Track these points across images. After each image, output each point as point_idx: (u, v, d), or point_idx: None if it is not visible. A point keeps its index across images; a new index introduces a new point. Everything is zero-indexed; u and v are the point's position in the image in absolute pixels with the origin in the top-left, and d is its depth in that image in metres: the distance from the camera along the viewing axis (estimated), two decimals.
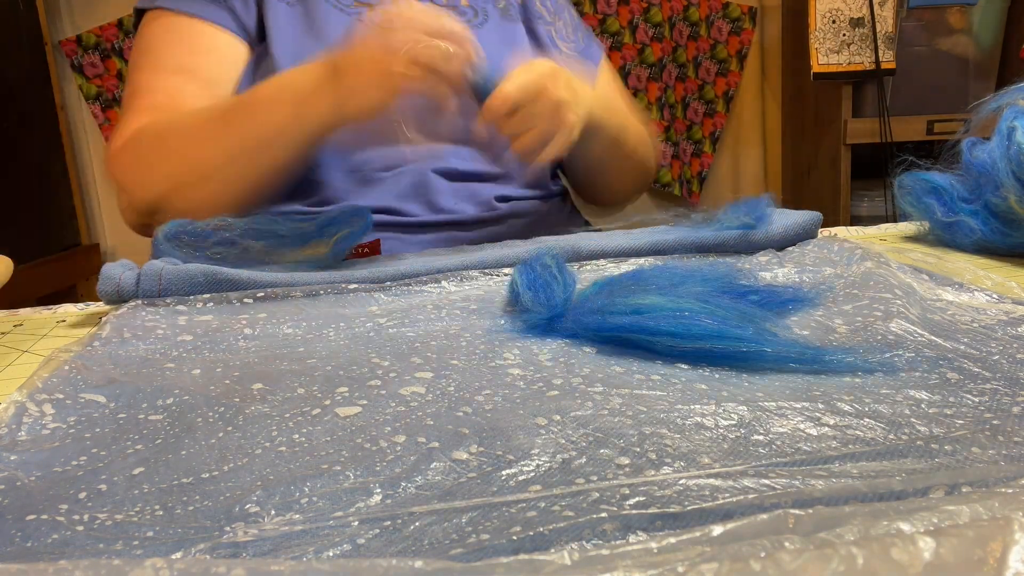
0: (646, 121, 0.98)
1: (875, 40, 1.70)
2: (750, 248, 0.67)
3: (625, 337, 0.44)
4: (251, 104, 0.71)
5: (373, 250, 0.71)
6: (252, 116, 0.70)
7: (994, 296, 0.51)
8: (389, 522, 0.28)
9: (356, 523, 0.28)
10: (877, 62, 1.71)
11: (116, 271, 0.58)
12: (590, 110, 0.74)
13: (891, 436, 0.33)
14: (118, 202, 0.80)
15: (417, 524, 0.28)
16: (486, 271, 0.62)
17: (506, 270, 0.62)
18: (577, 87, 0.71)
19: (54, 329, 0.59)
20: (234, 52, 0.80)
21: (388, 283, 0.60)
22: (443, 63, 0.62)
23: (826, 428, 0.34)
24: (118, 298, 0.58)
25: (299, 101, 0.68)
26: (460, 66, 0.62)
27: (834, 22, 1.73)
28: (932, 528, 0.24)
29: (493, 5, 0.90)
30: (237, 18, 0.80)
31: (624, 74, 2.11)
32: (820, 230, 0.72)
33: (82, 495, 0.31)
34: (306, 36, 0.79)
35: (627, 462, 0.32)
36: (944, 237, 0.70)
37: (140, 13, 0.83)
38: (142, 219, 0.77)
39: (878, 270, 0.55)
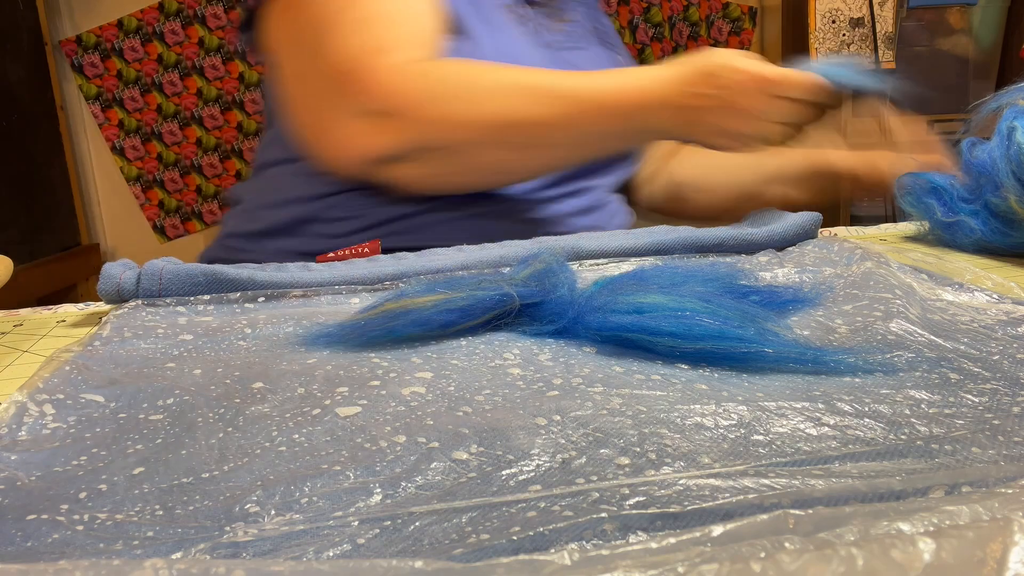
0: None
1: (875, 40, 1.70)
2: (750, 248, 0.67)
3: (626, 337, 0.44)
4: (590, 105, 0.68)
5: (373, 250, 0.71)
6: (591, 118, 0.69)
7: (994, 296, 0.51)
8: (389, 522, 0.28)
9: (356, 523, 0.28)
10: (877, 62, 1.71)
11: (116, 271, 0.58)
12: None
13: (891, 436, 0.33)
14: (360, 124, 0.68)
15: (417, 524, 0.28)
16: (486, 271, 0.62)
17: (505, 269, 0.62)
18: None
19: (54, 329, 0.59)
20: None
21: (388, 283, 0.60)
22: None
23: (826, 428, 0.34)
24: (118, 298, 0.58)
25: (647, 110, 0.68)
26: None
27: (834, 22, 1.73)
28: (932, 529, 0.24)
29: (587, 29, 0.92)
30: None
31: None
32: (820, 230, 0.72)
33: (82, 495, 0.31)
34: (488, 37, 0.78)
35: (627, 462, 0.32)
36: (944, 237, 0.70)
37: None
38: (400, 150, 0.69)
39: (878, 270, 0.55)
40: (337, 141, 0.70)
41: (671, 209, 1.03)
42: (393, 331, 0.45)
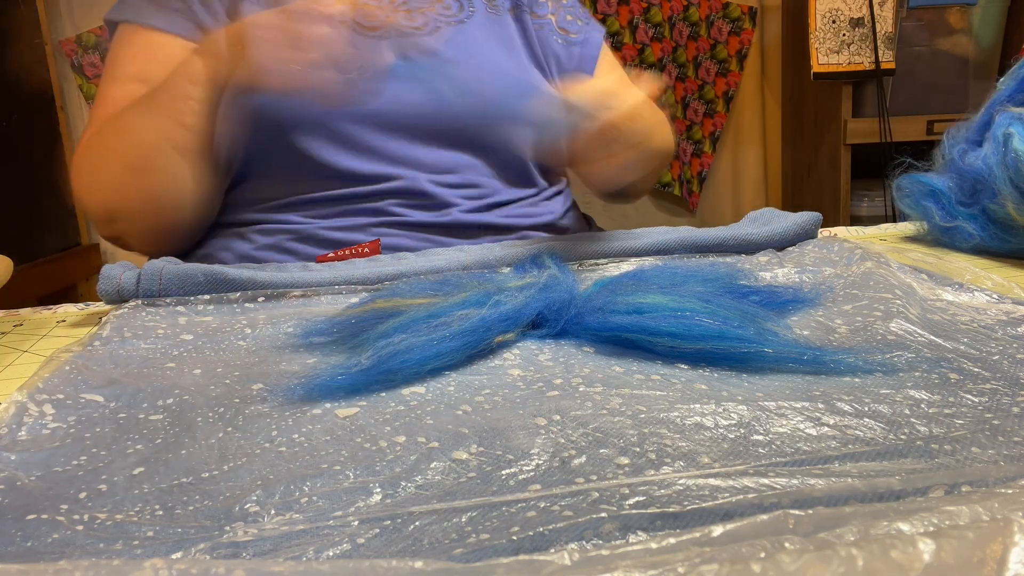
0: (653, 100, 0.96)
1: (875, 40, 1.70)
2: (750, 248, 0.67)
3: (626, 337, 0.44)
4: (158, 88, 0.71)
5: (373, 250, 0.71)
6: (158, 98, 0.70)
7: (994, 296, 0.51)
8: (389, 522, 0.28)
9: (356, 523, 0.28)
10: (877, 62, 1.71)
11: (116, 271, 0.58)
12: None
13: (891, 436, 0.33)
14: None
15: (417, 524, 0.28)
16: (485, 271, 0.62)
17: (504, 269, 0.62)
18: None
19: (54, 329, 0.59)
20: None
21: (388, 283, 0.60)
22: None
23: (826, 428, 0.34)
24: (118, 298, 0.58)
25: (189, 72, 0.69)
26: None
27: (834, 22, 1.73)
28: (932, 529, 0.24)
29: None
30: (202, 27, 0.80)
31: None
32: (820, 230, 0.72)
33: (82, 495, 0.31)
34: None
35: (627, 462, 0.32)
36: (943, 240, 0.70)
37: (112, 26, 0.83)
38: (104, 230, 0.77)
39: (878, 270, 0.55)
40: None
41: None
42: (392, 371, 0.42)
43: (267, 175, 0.77)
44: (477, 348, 0.43)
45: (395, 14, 0.81)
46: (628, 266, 0.63)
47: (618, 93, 0.82)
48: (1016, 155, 0.61)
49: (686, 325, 0.42)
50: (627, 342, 0.45)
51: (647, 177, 0.94)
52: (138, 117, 0.72)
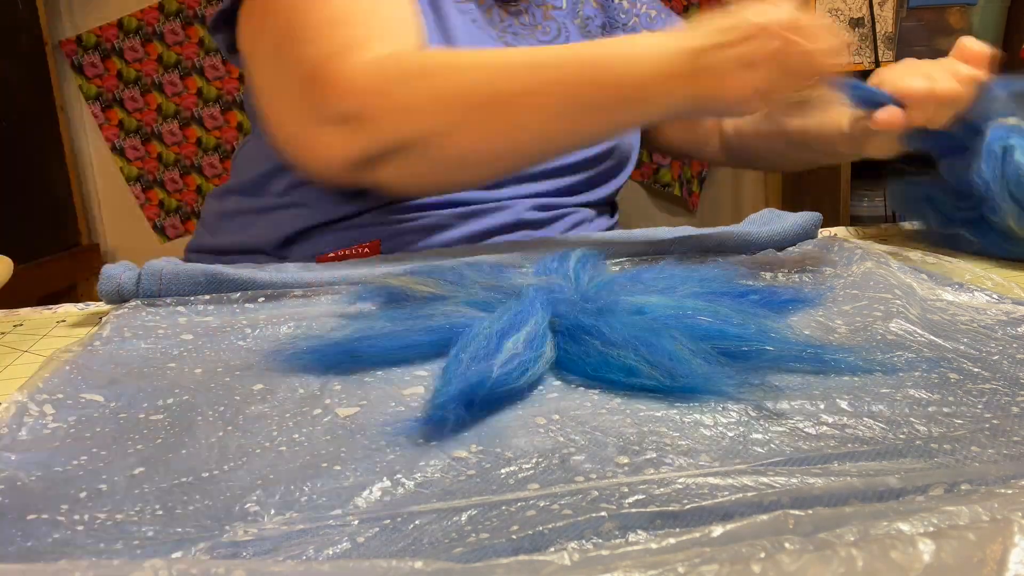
0: None
1: (875, 40, 1.70)
2: (750, 248, 0.67)
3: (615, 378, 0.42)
4: (590, 66, 0.61)
5: (373, 250, 0.71)
6: (590, 79, 0.61)
7: (994, 296, 0.51)
8: (389, 521, 0.28)
9: (356, 522, 0.28)
10: (877, 62, 1.71)
11: (117, 271, 0.58)
12: None
13: (890, 435, 0.33)
14: (329, 137, 0.64)
15: (417, 523, 0.28)
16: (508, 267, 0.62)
17: (525, 268, 0.62)
18: None
19: (54, 329, 0.59)
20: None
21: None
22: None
23: (825, 427, 0.34)
24: (119, 298, 0.58)
25: (649, 75, 0.59)
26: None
27: (834, 22, 1.73)
28: (932, 529, 0.24)
29: (571, 21, 0.87)
30: None
31: None
32: (820, 230, 0.72)
33: (82, 495, 0.31)
34: (437, 34, 0.75)
35: (626, 460, 0.32)
36: (943, 243, 0.69)
37: None
38: (371, 154, 0.64)
39: (878, 270, 0.55)
40: (313, 151, 0.67)
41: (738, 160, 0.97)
42: (356, 352, 0.44)
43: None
44: (446, 348, 0.42)
45: (498, 43, 0.80)
46: (630, 264, 0.63)
47: None
48: (1018, 168, 0.61)
49: (687, 325, 0.42)
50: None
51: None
52: (515, 79, 0.62)
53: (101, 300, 0.59)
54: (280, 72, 0.69)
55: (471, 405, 0.36)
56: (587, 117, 0.63)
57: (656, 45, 0.60)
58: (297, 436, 0.36)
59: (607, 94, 0.61)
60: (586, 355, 0.41)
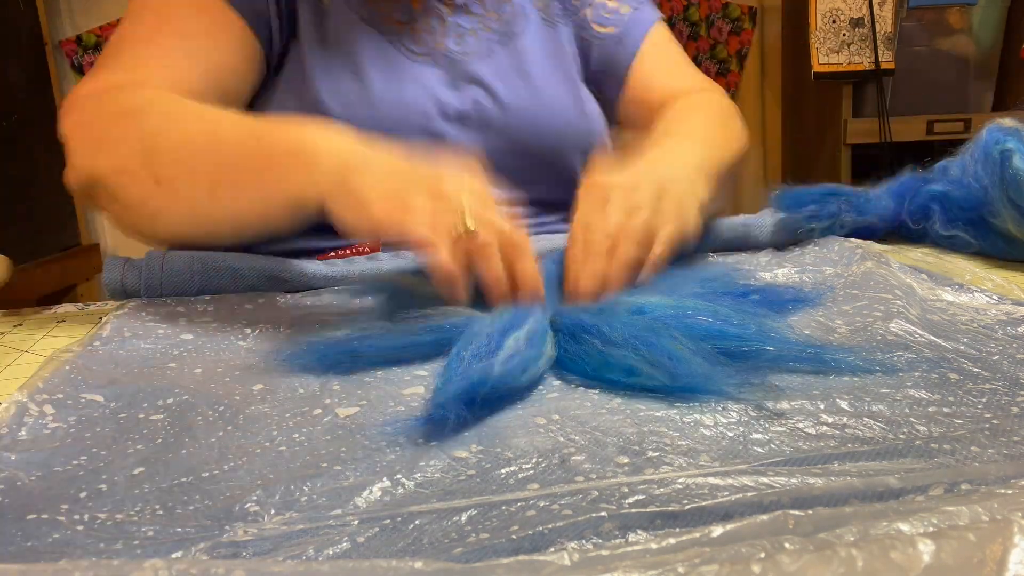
0: (708, 83, 0.88)
1: (875, 40, 1.70)
2: (750, 247, 0.67)
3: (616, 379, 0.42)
4: (259, 160, 0.56)
5: (374, 249, 0.71)
6: (253, 180, 0.56)
7: (994, 297, 0.51)
8: (389, 520, 0.28)
9: (356, 522, 0.28)
10: (877, 62, 1.71)
11: (120, 261, 0.59)
12: (705, 186, 0.63)
13: (890, 435, 0.33)
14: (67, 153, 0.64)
15: (417, 523, 0.28)
16: None
17: None
18: (675, 175, 0.60)
19: (54, 329, 0.59)
20: (249, 51, 0.69)
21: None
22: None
23: (825, 427, 0.34)
24: (121, 287, 0.58)
25: (303, 182, 0.53)
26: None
27: (834, 22, 1.73)
28: (932, 530, 0.24)
29: (532, 6, 0.84)
30: (266, 23, 0.70)
31: None
32: None
33: (82, 495, 0.31)
34: (339, 65, 0.71)
35: (626, 460, 0.32)
36: (942, 245, 0.69)
37: None
38: (81, 184, 0.63)
39: (878, 270, 0.55)
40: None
41: None
42: (356, 352, 0.44)
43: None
44: (446, 348, 0.42)
45: (445, 39, 0.77)
46: None
47: (707, 131, 0.72)
48: (1016, 173, 0.60)
49: (687, 325, 0.42)
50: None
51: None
52: (209, 162, 0.58)
53: (105, 290, 0.59)
54: None
55: (472, 403, 0.36)
56: (234, 191, 0.57)
57: (330, 149, 0.53)
58: (297, 436, 0.36)
59: (260, 197, 0.56)
60: (586, 354, 0.41)
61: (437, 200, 0.48)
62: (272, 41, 0.71)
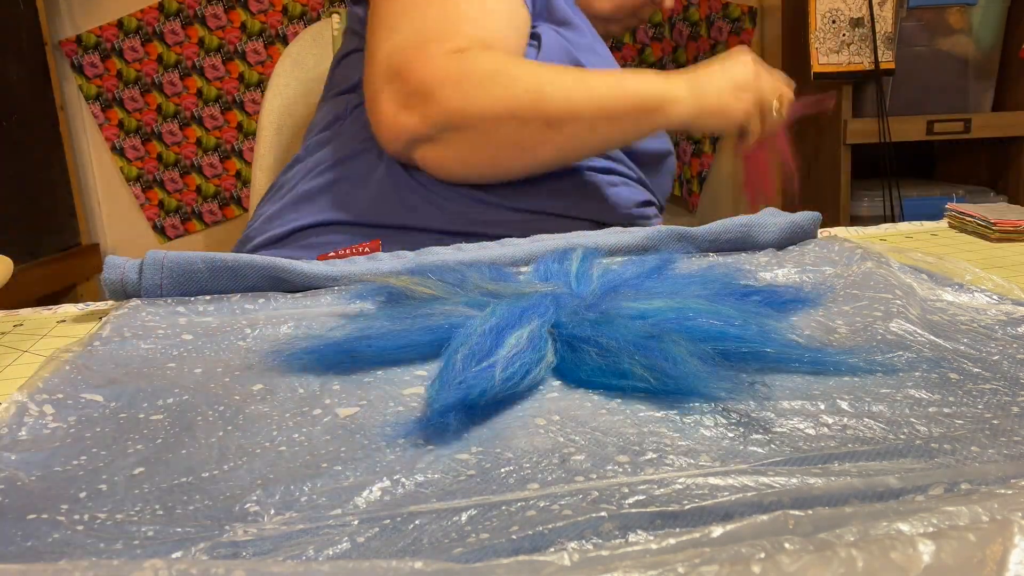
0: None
1: (874, 40, 1.70)
2: (750, 248, 0.67)
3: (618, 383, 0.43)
4: (616, 83, 0.76)
5: (374, 249, 0.71)
6: (616, 92, 0.75)
7: (994, 297, 0.51)
8: (389, 521, 0.28)
9: (356, 522, 0.28)
10: (876, 62, 1.71)
11: (120, 260, 0.59)
12: None
13: (890, 436, 0.33)
14: (392, 104, 0.76)
15: (417, 523, 0.28)
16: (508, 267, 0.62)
17: (524, 268, 0.62)
18: None
19: (54, 329, 0.59)
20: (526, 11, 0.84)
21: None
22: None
23: (825, 427, 0.34)
24: (122, 287, 0.58)
25: (658, 106, 0.76)
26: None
27: (834, 22, 1.73)
28: (932, 530, 0.24)
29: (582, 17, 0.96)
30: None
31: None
32: (820, 230, 0.72)
33: (82, 495, 0.31)
34: (567, 50, 0.85)
35: (626, 460, 0.32)
36: None
37: None
38: (425, 130, 0.76)
39: (878, 270, 0.55)
40: (378, 124, 0.78)
41: None
42: (355, 351, 0.44)
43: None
44: (446, 348, 0.42)
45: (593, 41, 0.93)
46: (631, 264, 0.63)
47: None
48: None
49: (687, 327, 0.42)
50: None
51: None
52: (583, 95, 0.74)
53: (104, 289, 0.59)
54: (372, 54, 0.79)
55: (472, 409, 0.36)
56: (613, 127, 0.77)
57: (661, 79, 0.79)
58: (297, 436, 0.36)
59: (630, 112, 0.77)
60: (582, 362, 0.41)
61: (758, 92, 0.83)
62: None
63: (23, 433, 0.36)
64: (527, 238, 0.70)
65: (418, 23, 0.77)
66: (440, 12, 0.78)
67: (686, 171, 2.20)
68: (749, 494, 0.28)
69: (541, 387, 0.40)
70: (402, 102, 0.75)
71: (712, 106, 0.79)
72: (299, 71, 1.26)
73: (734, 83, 0.80)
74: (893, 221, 0.85)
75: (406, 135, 0.76)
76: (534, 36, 0.85)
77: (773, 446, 0.33)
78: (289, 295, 0.59)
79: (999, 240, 0.74)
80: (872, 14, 1.70)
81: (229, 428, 0.37)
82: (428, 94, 0.73)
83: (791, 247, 0.67)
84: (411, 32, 0.77)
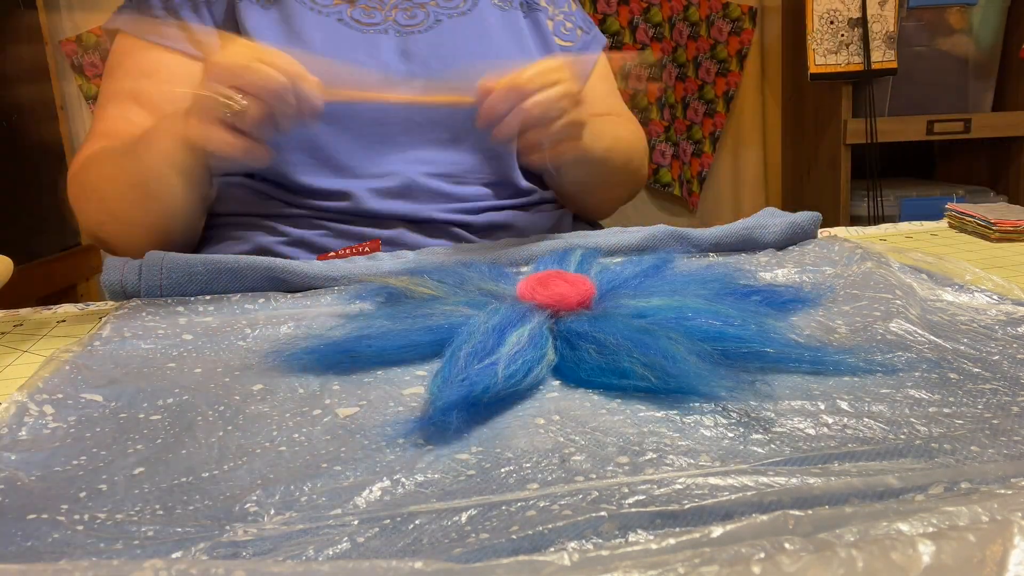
0: (634, 121, 0.94)
1: (866, 40, 1.70)
2: (750, 247, 0.67)
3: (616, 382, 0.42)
4: (141, 138, 0.70)
5: (373, 249, 0.71)
6: (138, 151, 0.69)
7: (994, 297, 0.51)
8: (389, 521, 0.28)
9: (356, 522, 0.28)
10: (867, 63, 1.71)
11: (120, 262, 0.59)
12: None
13: (890, 436, 0.33)
14: None
15: (417, 523, 0.28)
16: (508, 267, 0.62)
17: (524, 268, 0.62)
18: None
19: (54, 329, 0.59)
20: (184, 71, 0.78)
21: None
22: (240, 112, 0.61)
23: (825, 427, 0.34)
24: (121, 288, 0.58)
25: (173, 131, 0.67)
26: (264, 106, 0.61)
27: (832, 23, 1.73)
28: (932, 530, 0.24)
29: None
30: (195, 39, 0.79)
31: (624, 74, 2.10)
32: (820, 230, 0.72)
33: (82, 495, 0.31)
34: (287, 40, 0.77)
35: (626, 460, 0.32)
36: None
37: (111, 34, 0.83)
38: (91, 236, 0.80)
39: (878, 270, 0.55)
40: None
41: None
42: (354, 351, 0.44)
43: (241, 197, 0.77)
44: (444, 347, 0.42)
45: (394, 11, 0.81)
46: (631, 265, 0.63)
47: (601, 118, 0.80)
48: None
49: (687, 327, 0.42)
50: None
51: (616, 201, 0.94)
52: (143, 145, 0.70)
53: (104, 290, 0.59)
54: None
55: (474, 407, 0.36)
56: (162, 179, 0.69)
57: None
58: (297, 436, 0.36)
59: (149, 165, 0.69)
60: (581, 361, 0.41)
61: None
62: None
63: (23, 433, 0.36)
64: (525, 239, 0.70)
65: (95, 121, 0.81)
66: (96, 107, 0.80)
67: (686, 171, 2.20)
68: (749, 494, 0.28)
69: (541, 387, 0.40)
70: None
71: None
72: None
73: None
74: (879, 222, 0.84)
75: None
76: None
77: (773, 446, 0.33)
78: (289, 295, 0.59)
79: (999, 240, 0.74)
80: (865, 15, 1.70)
81: (229, 428, 0.37)
82: (72, 202, 0.79)
83: (791, 247, 0.67)
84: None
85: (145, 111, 0.77)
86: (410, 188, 0.77)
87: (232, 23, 0.78)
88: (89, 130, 0.81)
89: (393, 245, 0.74)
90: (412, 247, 0.74)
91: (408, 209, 0.76)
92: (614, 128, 0.88)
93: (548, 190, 0.87)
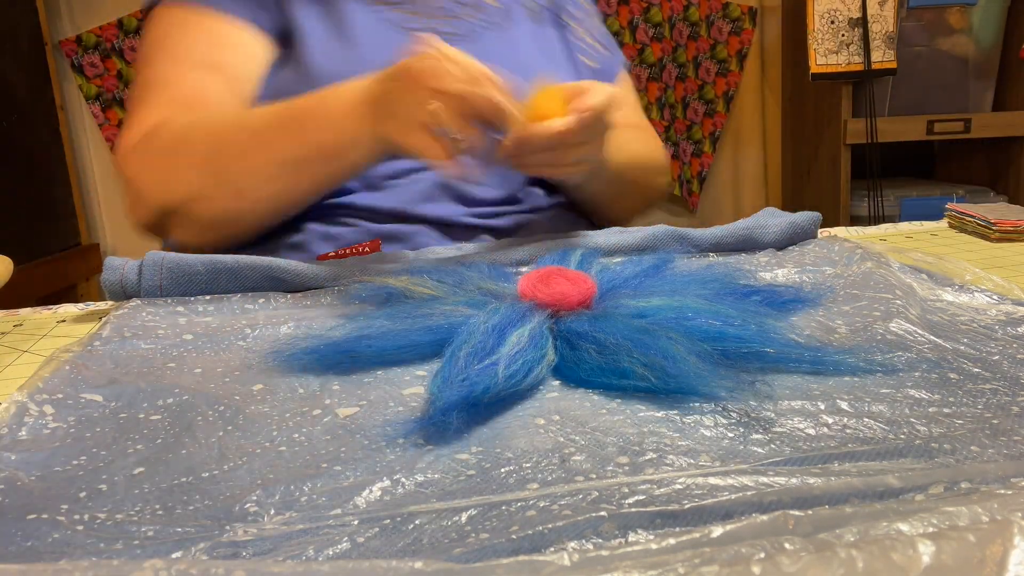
0: (653, 135, 0.94)
1: (866, 41, 1.70)
2: (750, 248, 0.67)
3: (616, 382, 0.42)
4: (291, 121, 0.67)
5: (373, 249, 0.71)
6: (292, 135, 0.66)
7: (994, 297, 0.51)
8: (389, 521, 0.28)
9: (356, 522, 0.28)
10: (868, 62, 1.71)
11: (119, 262, 0.59)
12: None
13: (890, 436, 0.33)
14: (125, 199, 0.74)
15: (417, 523, 0.28)
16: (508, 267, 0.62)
17: (523, 269, 0.62)
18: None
19: (54, 329, 0.59)
20: (259, 49, 0.76)
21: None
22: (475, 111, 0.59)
23: (825, 427, 0.34)
24: (121, 288, 0.58)
25: (339, 123, 0.64)
26: (489, 109, 0.59)
27: (832, 23, 1.73)
28: (932, 530, 0.24)
29: (520, 6, 0.88)
30: (260, 13, 0.76)
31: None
32: (820, 230, 0.72)
33: (82, 495, 0.31)
34: (334, 35, 0.77)
35: (626, 460, 0.32)
36: None
37: (149, 8, 0.79)
38: (152, 219, 0.72)
39: (878, 270, 0.55)
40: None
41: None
42: (354, 351, 0.44)
43: None
44: (444, 347, 0.42)
45: (432, 20, 0.81)
46: (630, 265, 0.63)
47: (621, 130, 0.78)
48: None
49: (686, 327, 0.42)
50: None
51: (632, 212, 0.94)
52: (258, 142, 0.67)
53: (104, 290, 0.59)
54: None
55: (474, 407, 0.36)
56: (294, 174, 0.68)
57: (345, 91, 0.65)
58: (297, 436, 0.36)
59: (306, 149, 0.66)
60: (581, 360, 0.41)
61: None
62: (272, 26, 0.77)
63: (23, 433, 0.36)
64: (525, 239, 0.70)
65: (131, 98, 0.76)
66: (143, 82, 0.75)
67: (686, 171, 2.20)
68: (749, 494, 0.28)
69: (541, 387, 0.40)
70: (127, 201, 0.74)
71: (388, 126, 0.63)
72: None
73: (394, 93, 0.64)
74: (879, 222, 0.83)
75: (144, 230, 0.74)
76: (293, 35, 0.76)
77: (773, 446, 0.33)
78: (289, 295, 0.59)
79: (999, 240, 0.74)
80: (865, 15, 1.70)
81: (229, 428, 0.37)
82: (131, 192, 0.72)
83: (791, 247, 0.67)
84: (127, 114, 0.76)
85: (225, 84, 0.74)
86: (437, 191, 0.77)
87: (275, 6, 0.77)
88: (140, 96, 0.74)
89: (417, 247, 0.74)
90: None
91: (436, 212, 0.76)
92: (633, 142, 0.87)
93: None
